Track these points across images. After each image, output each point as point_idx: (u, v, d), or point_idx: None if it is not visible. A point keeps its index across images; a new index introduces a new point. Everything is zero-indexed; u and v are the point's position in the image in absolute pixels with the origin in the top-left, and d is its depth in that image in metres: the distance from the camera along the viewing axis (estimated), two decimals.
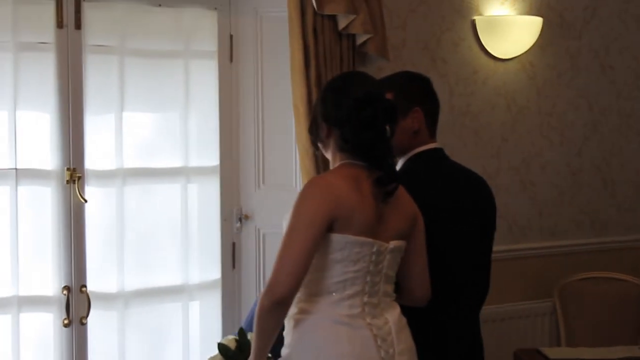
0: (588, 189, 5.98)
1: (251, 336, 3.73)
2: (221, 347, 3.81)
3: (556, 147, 5.86)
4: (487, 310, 4.71)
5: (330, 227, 3.24)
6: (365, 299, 3.34)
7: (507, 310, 5.57)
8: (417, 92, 3.83)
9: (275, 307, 3.19)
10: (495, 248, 4.00)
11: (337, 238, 3.26)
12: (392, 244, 3.39)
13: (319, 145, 3.52)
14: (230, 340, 3.84)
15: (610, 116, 6.04)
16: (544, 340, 5.66)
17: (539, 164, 5.80)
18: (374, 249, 3.32)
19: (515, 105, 5.70)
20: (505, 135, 5.67)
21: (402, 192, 3.47)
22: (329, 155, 3.49)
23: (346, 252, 3.28)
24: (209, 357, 3.83)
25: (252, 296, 4.87)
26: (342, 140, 3.39)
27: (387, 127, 3.40)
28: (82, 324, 4.41)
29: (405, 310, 3.51)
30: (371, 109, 3.34)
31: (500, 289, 5.29)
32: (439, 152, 3.86)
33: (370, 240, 3.31)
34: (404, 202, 3.47)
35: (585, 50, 5.94)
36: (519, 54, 5.62)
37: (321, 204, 3.22)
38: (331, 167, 3.47)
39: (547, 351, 5.08)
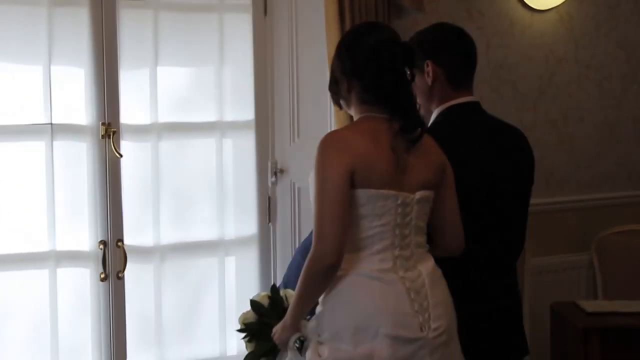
0: (626, 142, 5.91)
1: (284, 293, 3.72)
2: (254, 304, 3.77)
3: (594, 100, 5.79)
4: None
5: (352, 182, 3.22)
6: (397, 252, 3.32)
7: (544, 263, 5.54)
8: (435, 44, 3.78)
9: (327, 271, 3.21)
10: (532, 201, 3.96)
11: (359, 193, 3.25)
12: (419, 194, 3.35)
13: (342, 102, 3.50)
14: (263, 296, 3.82)
15: None
16: (581, 293, 5.64)
17: (576, 117, 5.75)
18: (399, 201, 3.29)
19: (553, 57, 5.64)
20: (542, 87, 5.62)
21: (428, 142, 3.44)
22: (352, 111, 3.47)
23: (370, 206, 3.26)
24: (241, 313, 3.82)
25: (288, 250, 4.87)
26: (363, 90, 3.36)
27: (407, 71, 3.36)
28: (119, 278, 4.40)
29: (438, 263, 3.50)
30: (387, 52, 3.32)
31: (537, 242, 5.27)
32: (473, 105, 3.81)
33: (393, 192, 3.28)
34: (430, 152, 3.44)
35: (624, 1, 5.85)
36: (556, 4, 5.56)
37: (339, 159, 3.21)
38: None
39: (584, 304, 5.07)
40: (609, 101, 5.84)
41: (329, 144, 3.27)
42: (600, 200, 5.82)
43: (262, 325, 3.68)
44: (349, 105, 3.46)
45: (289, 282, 3.83)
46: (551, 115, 5.67)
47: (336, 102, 3.55)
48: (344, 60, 3.41)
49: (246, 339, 3.72)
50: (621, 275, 5.54)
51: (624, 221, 5.70)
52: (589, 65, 5.75)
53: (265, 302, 3.76)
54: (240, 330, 3.74)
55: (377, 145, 3.27)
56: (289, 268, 4.04)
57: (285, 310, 3.55)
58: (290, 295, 3.62)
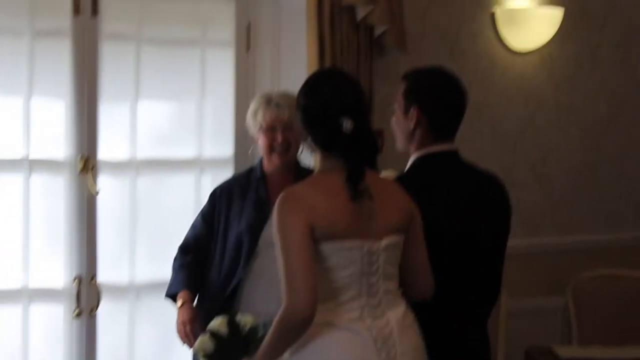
0: (604, 184, 5.92)
1: (241, 319, 3.66)
2: (213, 333, 3.67)
3: (574, 141, 5.80)
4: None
5: (314, 236, 3.22)
6: (364, 301, 3.31)
7: (519, 305, 5.47)
8: (426, 91, 3.71)
9: (301, 325, 3.20)
10: (508, 243, 3.91)
11: (323, 246, 3.24)
12: (386, 240, 3.35)
13: (307, 148, 3.54)
14: (221, 323, 3.72)
15: (629, 110, 5.98)
16: (556, 338, 5.62)
17: (555, 159, 5.75)
18: (365, 250, 3.29)
19: (533, 98, 5.64)
20: (522, 129, 5.62)
21: (394, 187, 3.47)
22: (315, 156, 3.51)
23: (335, 258, 3.26)
24: (198, 341, 3.72)
25: None
26: (314, 141, 3.41)
27: (346, 122, 3.33)
28: (92, 315, 4.38)
29: (413, 308, 3.48)
30: (336, 106, 3.34)
31: (513, 284, 5.25)
32: (451, 154, 3.76)
33: (358, 242, 3.28)
34: (397, 196, 3.44)
35: (606, 43, 5.87)
36: (538, 46, 5.56)
37: (296, 217, 3.21)
38: None
39: (559, 349, 5.05)
40: (588, 143, 5.85)
41: (285, 202, 3.27)
42: (577, 244, 5.81)
43: (221, 353, 3.62)
44: (311, 150, 3.51)
45: None
46: (530, 156, 5.67)
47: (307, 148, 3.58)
48: (299, 110, 3.44)
49: None
50: (597, 320, 5.51)
51: (601, 265, 5.68)
52: (569, 107, 5.76)
53: (224, 329, 3.69)
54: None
55: (334, 197, 3.28)
56: None
57: (244, 339, 3.54)
58: (249, 322, 3.59)
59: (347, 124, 3.33)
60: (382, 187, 3.41)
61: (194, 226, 4.32)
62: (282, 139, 4.19)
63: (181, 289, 4.18)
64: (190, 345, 4.04)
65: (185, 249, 4.30)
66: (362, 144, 3.36)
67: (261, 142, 4.27)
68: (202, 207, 4.47)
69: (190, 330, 4.08)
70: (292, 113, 3.98)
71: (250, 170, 4.36)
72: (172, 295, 4.21)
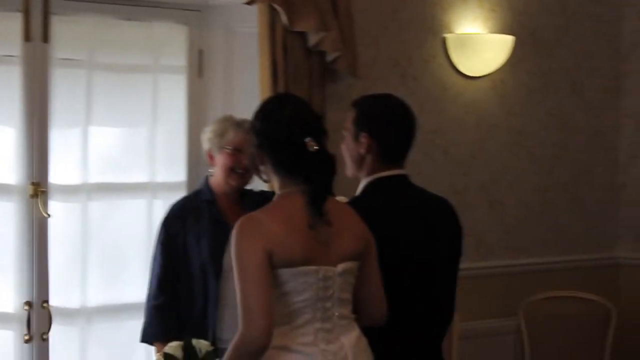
0: (556, 208, 5.99)
1: (197, 343, 3.66)
2: (168, 357, 3.70)
3: (525, 166, 5.87)
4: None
5: (272, 263, 3.23)
6: (318, 325, 3.32)
7: (472, 328, 5.51)
8: (371, 117, 3.76)
9: (257, 353, 3.21)
10: (461, 265, 3.94)
11: (280, 272, 3.25)
12: (341, 266, 3.36)
13: (262, 175, 3.51)
14: (176, 347, 3.73)
15: (579, 135, 6.06)
16: (509, 359, 5.67)
17: (507, 182, 5.81)
18: (320, 276, 3.30)
19: (485, 123, 5.70)
20: (474, 153, 5.67)
21: (350, 213, 3.47)
22: (273, 182, 3.48)
23: (291, 284, 3.27)
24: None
25: None
26: (273, 166, 3.39)
27: (310, 142, 3.34)
28: (43, 340, 4.36)
29: (366, 333, 3.49)
30: (294, 128, 3.35)
31: (465, 307, 5.28)
32: (400, 178, 3.80)
33: (313, 267, 3.29)
34: (353, 223, 3.45)
35: (556, 69, 5.96)
36: (489, 72, 5.62)
37: (253, 243, 3.22)
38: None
39: None
40: (539, 167, 5.92)
41: (243, 228, 3.28)
42: (529, 266, 5.87)
43: None
44: (268, 176, 3.47)
45: None
46: (482, 180, 5.72)
47: (258, 175, 3.55)
48: (258, 134, 3.42)
49: None
50: (549, 341, 5.56)
51: (553, 287, 5.75)
52: (520, 131, 5.83)
53: (179, 353, 3.70)
54: None
55: (292, 224, 3.29)
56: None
57: None
58: (204, 345, 3.60)
59: (311, 144, 3.35)
60: (340, 212, 3.42)
61: (155, 258, 4.34)
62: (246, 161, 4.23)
63: (156, 340, 4.27)
64: None
65: (159, 286, 4.32)
66: (325, 164, 3.37)
67: (222, 162, 4.33)
68: (153, 232, 4.50)
69: None
70: None
71: (197, 193, 4.40)
72: (147, 341, 4.31)
